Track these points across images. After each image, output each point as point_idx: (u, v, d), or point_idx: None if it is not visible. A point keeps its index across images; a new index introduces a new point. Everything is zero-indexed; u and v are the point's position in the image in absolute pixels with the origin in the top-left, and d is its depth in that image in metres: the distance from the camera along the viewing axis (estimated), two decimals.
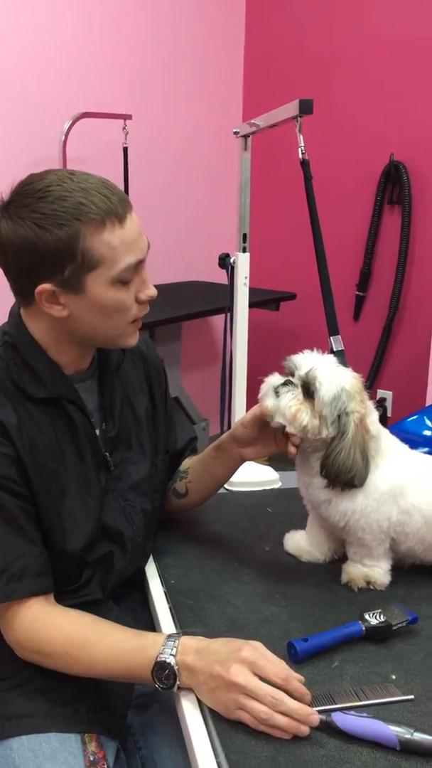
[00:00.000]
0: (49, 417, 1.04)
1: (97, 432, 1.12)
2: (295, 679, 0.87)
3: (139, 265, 1.01)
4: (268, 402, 1.10)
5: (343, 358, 1.16)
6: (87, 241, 0.95)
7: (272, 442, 1.16)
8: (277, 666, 0.87)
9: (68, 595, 1.06)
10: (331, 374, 1.09)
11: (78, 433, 1.07)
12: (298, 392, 1.09)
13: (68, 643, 0.97)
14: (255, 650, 0.88)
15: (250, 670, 0.85)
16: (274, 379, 1.13)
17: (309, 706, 0.86)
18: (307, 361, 1.11)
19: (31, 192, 0.96)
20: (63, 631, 0.99)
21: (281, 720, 0.83)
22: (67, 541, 1.06)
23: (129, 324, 1.05)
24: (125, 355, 1.19)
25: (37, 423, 1.03)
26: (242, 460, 1.20)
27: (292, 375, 1.12)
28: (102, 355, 1.14)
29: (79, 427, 1.07)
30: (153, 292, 1.04)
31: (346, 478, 1.08)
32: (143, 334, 1.25)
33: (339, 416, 1.08)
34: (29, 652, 1.01)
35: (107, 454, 1.13)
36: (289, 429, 1.09)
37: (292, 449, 1.11)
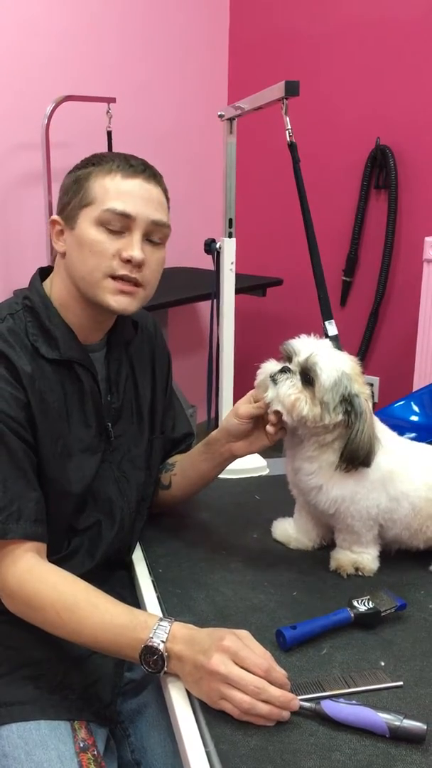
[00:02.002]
0: (60, 378, 1.08)
1: (102, 401, 1.15)
2: (277, 670, 0.86)
3: (128, 220, 1.05)
4: (267, 392, 1.08)
5: (337, 342, 1.15)
6: (90, 182, 1.06)
7: (264, 436, 1.14)
8: (259, 657, 0.86)
9: (57, 565, 1.05)
10: (331, 360, 1.08)
11: (85, 398, 1.11)
12: (296, 380, 1.08)
13: (59, 602, 0.97)
14: (238, 640, 0.87)
15: (232, 660, 0.85)
16: (271, 365, 1.11)
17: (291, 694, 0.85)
18: (306, 347, 1.09)
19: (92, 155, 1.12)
20: (56, 588, 0.98)
21: (263, 708, 0.83)
22: (73, 487, 1.09)
23: (104, 276, 1.05)
24: (137, 333, 1.22)
25: (49, 381, 1.07)
26: (231, 458, 1.19)
27: (290, 360, 1.10)
28: (114, 329, 1.17)
29: (87, 391, 1.11)
30: (136, 254, 1.05)
31: (370, 458, 1.07)
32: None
33: (348, 399, 1.07)
34: (17, 603, 1.01)
35: (109, 424, 1.15)
36: (286, 418, 1.07)
37: (272, 430, 1.10)
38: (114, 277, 1.06)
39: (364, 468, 1.09)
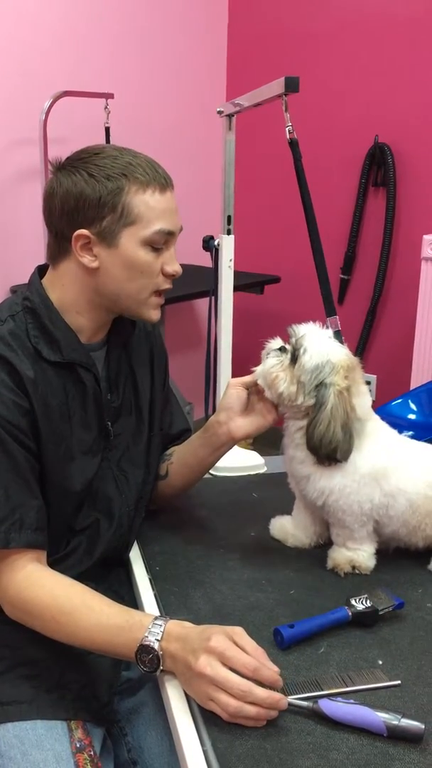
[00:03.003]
0: (62, 380, 1.08)
1: (103, 401, 1.14)
2: (266, 667, 0.85)
3: (170, 237, 1.07)
4: (258, 367, 1.13)
5: (340, 338, 1.16)
6: (129, 197, 1.02)
7: (261, 416, 1.16)
8: (246, 656, 0.84)
9: (55, 565, 1.06)
10: (319, 344, 1.10)
11: (87, 399, 1.11)
12: (285, 358, 1.11)
13: (55, 607, 0.97)
14: (225, 639, 0.86)
15: (219, 661, 0.84)
16: (274, 343, 1.14)
17: (281, 692, 0.84)
18: (303, 329, 1.12)
19: (88, 152, 1.06)
20: (52, 594, 0.99)
21: (250, 710, 0.82)
22: (75, 489, 1.09)
23: (152, 294, 1.09)
24: (134, 331, 1.22)
25: (51, 384, 1.06)
26: (229, 441, 1.18)
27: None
28: (113, 328, 1.17)
29: (89, 393, 1.10)
30: (178, 268, 1.09)
31: (327, 450, 1.08)
32: None
33: (318, 386, 1.08)
34: (17, 610, 1.01)
35: (108, 423, 1.15)
36: (267, 394, 1.11)
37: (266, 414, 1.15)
38: (157, 292, 1.10)
39: (339, 462, 1.09)
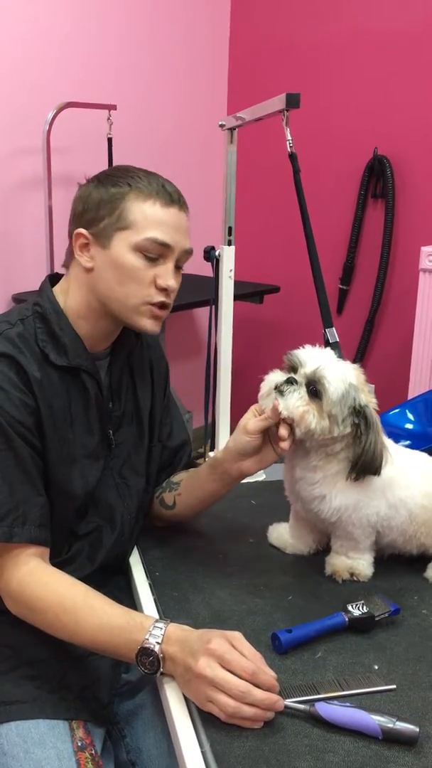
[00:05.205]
0: (66, 385, 1.10)
1: (104, 409, 1.16)
2: (264, 672, 0.86)
3: (166, 249, 1.08)
4: (279, 404, 1.06)
5: (338, 349, 1.16)
6: (128, 204, 1.07)
7: (271, 451, 1.12)
8: (245, 660, 0.86)
9: (58, 568, 1.07)
10: (338, 372, 1.06)
11: (90, 405, 1.12)
12: (303, 392, 1.06)
13: (58, 605, 0.99)
14: (225, 643, 0.87)
15: (219, 663, 0.85)
16: (276, 376, 1.09)
17: (279, 696, 0.86)
18: (312, 358, 1.08)
19: (116, 167, 1.14)
20: (55, 591, 1.00)
21: (248, 711, 0.84)
22: (76, 493, 1.10)
23: (142, 302, 1.09)
24: (138, 344, 1.24)
25: (56, 387, 1.08)
26: (240, 476, 1.16)
27: (293, 370, 1.09)
28: (118, 339, 1.19)
29: (91, 399, 1.12)
30: (171, 282, 1.09)
31: (381, 467, 1.07)
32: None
33: (358, 411, 1.06)
34: (19, 605, 1.02)
35: (110, 431, 1.17)
36: (297, 432, 1.06)
37: (284, 445, 1.07)
38: (150, 303, 1.09)
39: (372, 477, 1.09)
